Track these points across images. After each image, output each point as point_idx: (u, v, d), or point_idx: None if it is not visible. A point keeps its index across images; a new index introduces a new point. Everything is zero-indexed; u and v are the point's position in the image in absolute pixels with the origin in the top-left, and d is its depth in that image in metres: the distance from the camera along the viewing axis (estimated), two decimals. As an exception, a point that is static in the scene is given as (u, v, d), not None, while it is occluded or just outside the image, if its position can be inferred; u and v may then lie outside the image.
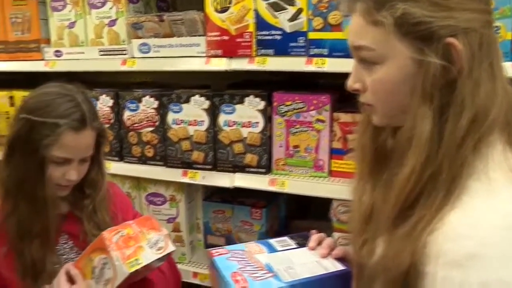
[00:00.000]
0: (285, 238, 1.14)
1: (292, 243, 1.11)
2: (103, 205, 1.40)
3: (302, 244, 1.10)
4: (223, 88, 1.80)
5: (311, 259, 1.03)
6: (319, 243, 1.09)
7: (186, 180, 1.78)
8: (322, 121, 1.62)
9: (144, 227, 1.23)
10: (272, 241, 1.12)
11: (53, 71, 1.98)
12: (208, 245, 2.03)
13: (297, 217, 2.17)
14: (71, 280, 1.23)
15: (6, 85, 2.27)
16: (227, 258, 1.03)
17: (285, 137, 1.66)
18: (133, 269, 1.14)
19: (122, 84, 2.03)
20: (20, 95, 2.13)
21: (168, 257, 1.29)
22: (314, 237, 1.10)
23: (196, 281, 1.89)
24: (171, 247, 1.24)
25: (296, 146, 1.67)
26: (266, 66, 1.59)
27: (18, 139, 1.25)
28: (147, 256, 1.18)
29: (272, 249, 1.08)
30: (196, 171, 1.77)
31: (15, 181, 1.27)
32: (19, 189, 1.27)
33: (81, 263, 1.24)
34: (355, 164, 1.07)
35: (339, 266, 1.01)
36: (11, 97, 2.15)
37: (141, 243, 1.19)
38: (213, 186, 2.01)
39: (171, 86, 1.90)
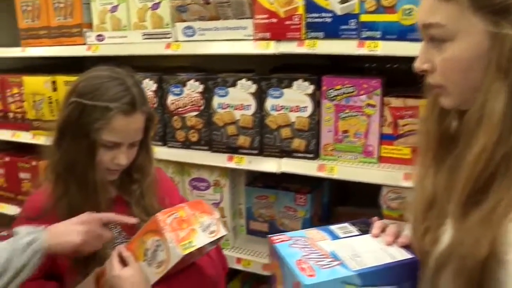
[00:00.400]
0: (346, 224, 1.11)
1: (354, 229, 1.08)
2: (151, 190, 1.39)
3: (364, 231, 1.07)
4: (265, 73, 1.76)
5: (376, 246, 1.00)
6: (383, 230, 1.06)
7: (231, 165, 1.76)
8: (373, 105, 1.58)
9: (196, 210, 1.21)
10: (333, 227, 1.09)
11: (96, 55, 1.97)
12: (250, 231, 2.02)
13: (340, 203, 2.14)
14: (123, 262, 1.23)
15: (48, 70, 2.28)
16: (290, 245, 1.00)
17: (334, 122, 1.63)
18: (187, 251, 1.13)
19: (160, 69, 2.01)
20: (62, 80, 2.13)
21: (217, 244, 1.28)
22: (377, 224, 1.07)
23: (239, 266, 1.88)
24: (223, 231, 1.22)
25: (345, 131, 1.63)
26: (316, 50, 1.55)
27: (68, 123, 1.24)
28: (201, 239, 1.17)
29: (334, 236, 1.05)
30: (242, 156, 1.74)
31: (65, 165, 1.26)
32: (69, 173, 1.27)
33: (133, 245, 1.23)
34: (419, 150, 1.03)
35: (406, 255, 0.97)
36: (53, 82, 2.16)
37: (194, 226, 1.17)
38: (255, 172, 1.99)
39: (208, 71, 1.88)
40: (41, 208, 1.28)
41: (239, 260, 1.87)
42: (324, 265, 0.93)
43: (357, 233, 1.06)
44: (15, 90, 2.34)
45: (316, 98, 1.62)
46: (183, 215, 1.17)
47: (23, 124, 2.36)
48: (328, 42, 1.54)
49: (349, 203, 2.11)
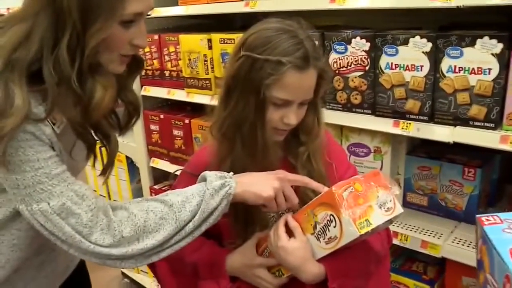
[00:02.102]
0: None
1: None
2: (318, 154, 1.30)
3: None
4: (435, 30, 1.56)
5: None
6: None
7: (397, 131, 1.60)
8: None
9: (373, 183, 1.10)
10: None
11: (254, 11, 1.91)
12: (407, 203, 1.88)
13: (508, 181, 1.90)
14: (288, 232, 1.17)
15: (204, 28, 2.29)
16: (502, 230, 0.85)
17: (525, 87, 1.40)
18: (363, 231, 1.03)
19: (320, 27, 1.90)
20: (218, 37, 2.12)
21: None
22: None
23: (395, 241, 1.74)
24: (399, 209, 1.10)
25: (537, 98, 1.40)
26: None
27: (237, 78, 1.18)
28: (377, 217, 1.06)
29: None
30: (410, 121, 1.58)
31: (232, 123, 1.21)
32: (236, 132, 1.21)
33: (301, 216, 1.16)
34: None
35: None
36: (209, 40, 2.16)
37: (371, 202, 1.06)
38: (416, 139, 1.83)
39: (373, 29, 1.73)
40: (205, 166, 1.26)
41: (395, 234, 1.74)
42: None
43: None
44: (172, 49, 2.39)
45: (504, 59, 1.40)
46: (359, 189, 1.07)
47: (178, 82, 2.42)
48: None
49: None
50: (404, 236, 1.73)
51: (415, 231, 1.73)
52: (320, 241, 1.11)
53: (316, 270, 1.14)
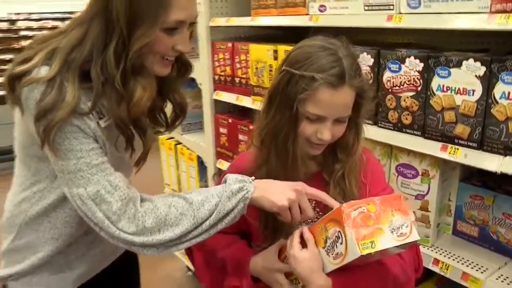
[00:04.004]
0: None
1: None
2: (353, 173, 1.31)
3: None
4: (500, 54, 1.49)
5: None
6: None
7: (444, 155, 1.55)
8: None
9: (390, 206, 1.09)
10: None
11: (317, 25, 1.94)
12: (457, 232, 1.81)
13: None
14: (304, 243, 1.19)
15: (273, 39, 2.35)
16: None
17: None
18: (365, 252, 1.03)
19: (384, 44, 1.89)
20: (283, 49, 2.17)
21: (412, 246, 1.14)
22: None
23: (435, 269, 1.68)
24: (414, 236, 1.08)
25: None
26: None
27: (277, 91, 1.24)
28: (385, 240, 1.05)
29: None
30: (458, 147, 1.52)
31: (269, 133, 1.27)
32: (271, 142, 1.27)
33: (316, 229, 1.18)
34: None
35: None
36: (275, 51, 2.21)
37: (382, 225, 1.06)
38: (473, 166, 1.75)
39: (438, 49, 1.68)
40: (243, 170, 1.31)
41: (436, 261, 1.68)
42: None
43: None
44: (243, 57, 2.47)
45: None
46: (372, 210, 1.07)
47: (246, 89, 2.50)
48: None
49: None
50: (445, 265, 1.66)
51: (458, 261, 1.66)
52: (329, 256, 1.13)
53: (323, 282, 1.15)
